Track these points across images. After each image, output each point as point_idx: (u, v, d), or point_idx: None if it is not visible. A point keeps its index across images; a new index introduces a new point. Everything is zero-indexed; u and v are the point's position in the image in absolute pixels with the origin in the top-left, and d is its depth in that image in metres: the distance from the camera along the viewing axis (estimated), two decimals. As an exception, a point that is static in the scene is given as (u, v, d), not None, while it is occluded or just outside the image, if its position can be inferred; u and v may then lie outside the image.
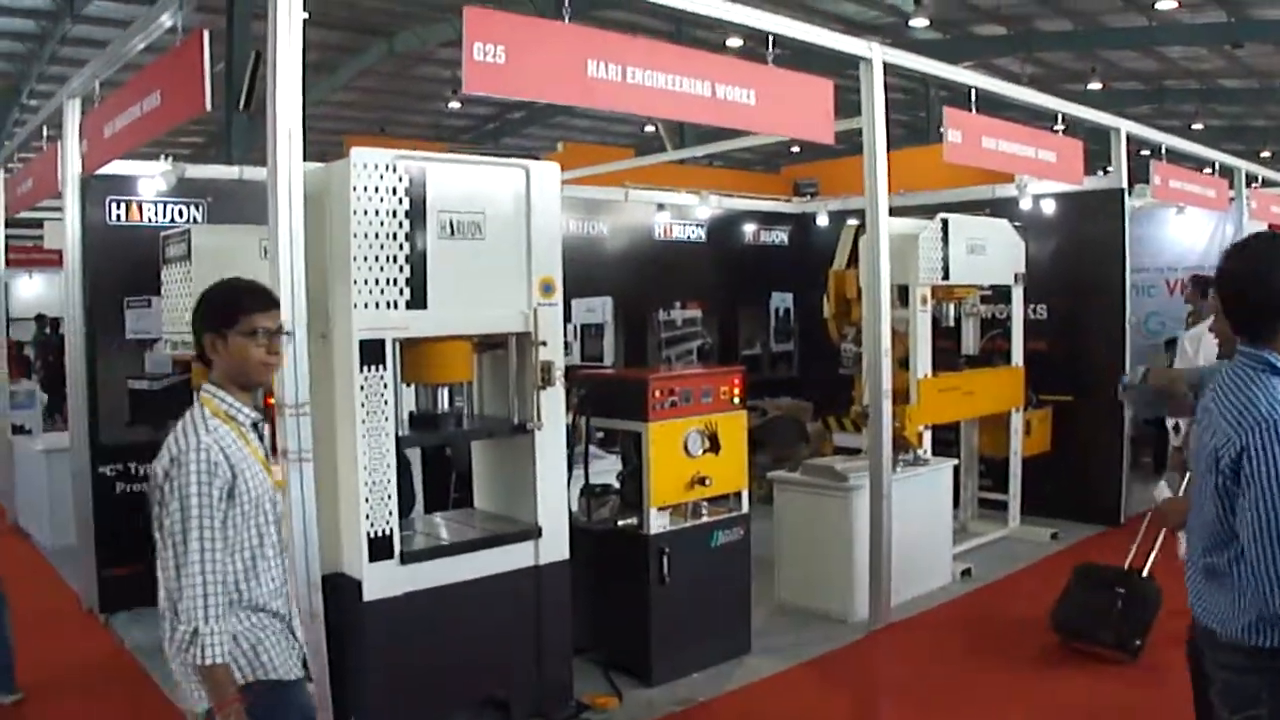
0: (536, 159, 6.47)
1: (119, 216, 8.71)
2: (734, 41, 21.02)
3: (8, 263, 12.95)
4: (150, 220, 8.77)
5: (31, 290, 22.76)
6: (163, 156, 8.67)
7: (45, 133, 9.53)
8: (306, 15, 5.23)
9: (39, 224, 15.10)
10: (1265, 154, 38.91)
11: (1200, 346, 8.65)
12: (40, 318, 20.47)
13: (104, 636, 7.98)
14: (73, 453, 8.58)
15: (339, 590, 5.42)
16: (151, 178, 8.62)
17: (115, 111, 7.18)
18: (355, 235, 5.37)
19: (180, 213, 8.90)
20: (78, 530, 8.52)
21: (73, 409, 8.53)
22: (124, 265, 8.55)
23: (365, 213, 5.41)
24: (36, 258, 17.91)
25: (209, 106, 5.68)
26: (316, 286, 5.41)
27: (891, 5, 24.60)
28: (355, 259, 5.37)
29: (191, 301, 6.97)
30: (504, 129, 33.99)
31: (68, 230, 8.42)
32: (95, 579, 8.41)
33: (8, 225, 12.14)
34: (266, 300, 3.82)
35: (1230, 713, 3.47)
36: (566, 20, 5.79)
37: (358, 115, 30.09)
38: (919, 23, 24.60)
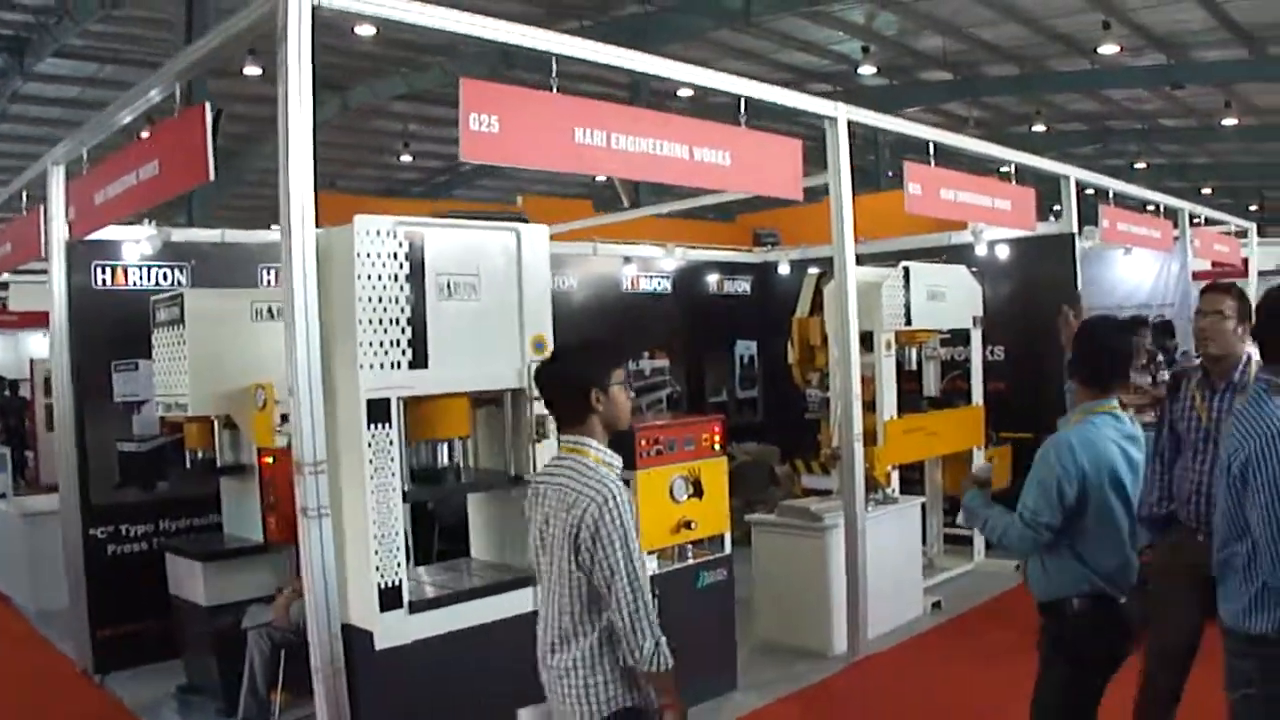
0: (526, 221, 6.73)
1: (104, 281, 8.86)
2: (684, 91, 21.46)
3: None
4: (136, 284, 8.93)
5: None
6: (146, 221, 8.80)
7: (25, 196, 9.61)
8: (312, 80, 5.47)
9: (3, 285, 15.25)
10: (1206, 190, 39.72)
11: None
12: (-1, 379, 20.44)
13: (102, 696, 8.11)
14: (63, 515, 8.64)
15: (350, 640, 5.60)
16: (136, 242, 8.80)
17: (108, 179, 7.34)
18: (360, 299, 5.60)
19: (165, 276, 9.07)
20: (70, 592, 8.60)
21: (63, 472, 8.61)
22: (110, 329, 8.69)
23: (369, 277, 5.65)
24: (-1, 319, 17.95)
25: (212, 177, 5.89)
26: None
27: (841, 54, 25.04)
28: (360, 321, 5.60)
29: (184, 364, 7.27)
30: (455, 181, 34.24)
31: (54, 295, 8.52)
32: (89, 640, 8.50)
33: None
34: (621, 351, 4.56)
35: (1230, 692, 3.99)
36: (554, 90, 6.08)
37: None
38: (867, 70, 25.01)
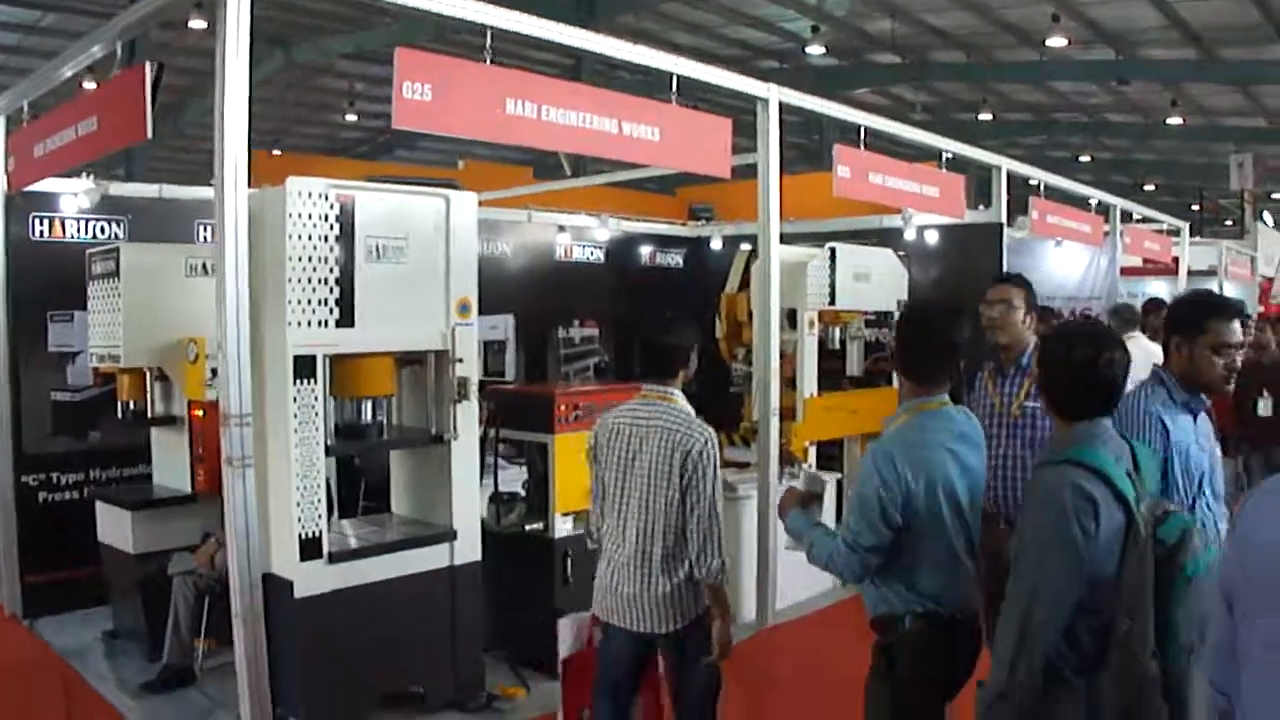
0: (456, 188, 6.90)
1: (42, 233, 8.91)
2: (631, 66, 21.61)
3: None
4: (73, 237, 8.99)
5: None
6: (84, 174, 8.87)
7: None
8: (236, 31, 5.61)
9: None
10: (1150, 187, 40.21)
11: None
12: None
13: (32, 640, 8.22)
14: (-6, 470, 8.76)
15: (271, 588, 5.78)
16: (74, 195, 8.86)
17: (47, 132, 7.42)
18: (290, 258, 5.80)
19: (102, 229, 9.13)
20: (2, 539, 8.66)
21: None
22: (47, 280, 8.75)
23: (299, 237, 5.84)
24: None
25: (149, 135, 6.02)
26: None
27: (790, 32, 25.17)
28: (290, 280, 5.79)
29: (119, 317, 7.40)
30: (398, 142, 34.14)
31: (-8, 246, 8.59)
32: (19, 586, 8.62)
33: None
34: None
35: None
36: (488, 62, 6.24)
37: (252, 127, 30.08)
38: (815, 50, 25.10)
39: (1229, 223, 36.92)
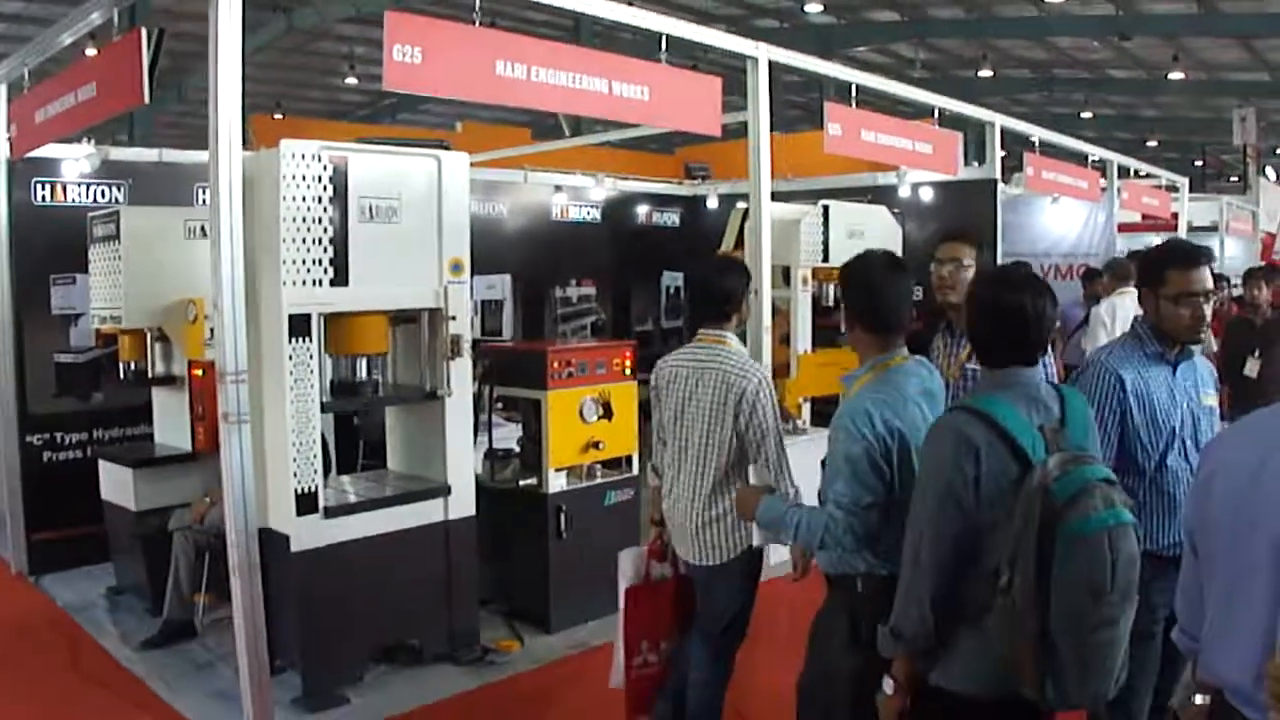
0: (447, 149, 6.99)
1: (44, 197, 9.01)
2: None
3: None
4: (74, 201, 9.09)
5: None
6: (85, 139, 8.96)
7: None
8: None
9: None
10: (1153, 143, 40.10)
11: (1115, 317, 10.19)
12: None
13: (37, 596, 8.38)
14: (1, 423, 8.86)
15: (268, 543, 5.90)
16: (76, 160, 8.96)
17: (48, 99, 7.49)
18: (284, 219, 5.90)
19: (103, 194, 9.24)
20: (7, 498, 8.86)
21: (0, 381, 8.84)
22: (49, 244, 8.88)
23: (293, 198, 5.94)
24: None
25: (148, 99, 6.11)
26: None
27: (787, -12, 25.17)
28: (285, 241, 5.90)
29: (120, 279, 7.51)
30: (400, 106, 34.14)
31: (-5, 210, 8.71)
32: (25, 544, 8.79)
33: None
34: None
35: None
36: (477, 24, 6.33)
37: (254, 91, 30.10)
38: (813, 7, 25.12)
39: (1234, 179, 36.81)
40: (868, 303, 4.18)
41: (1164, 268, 4.47)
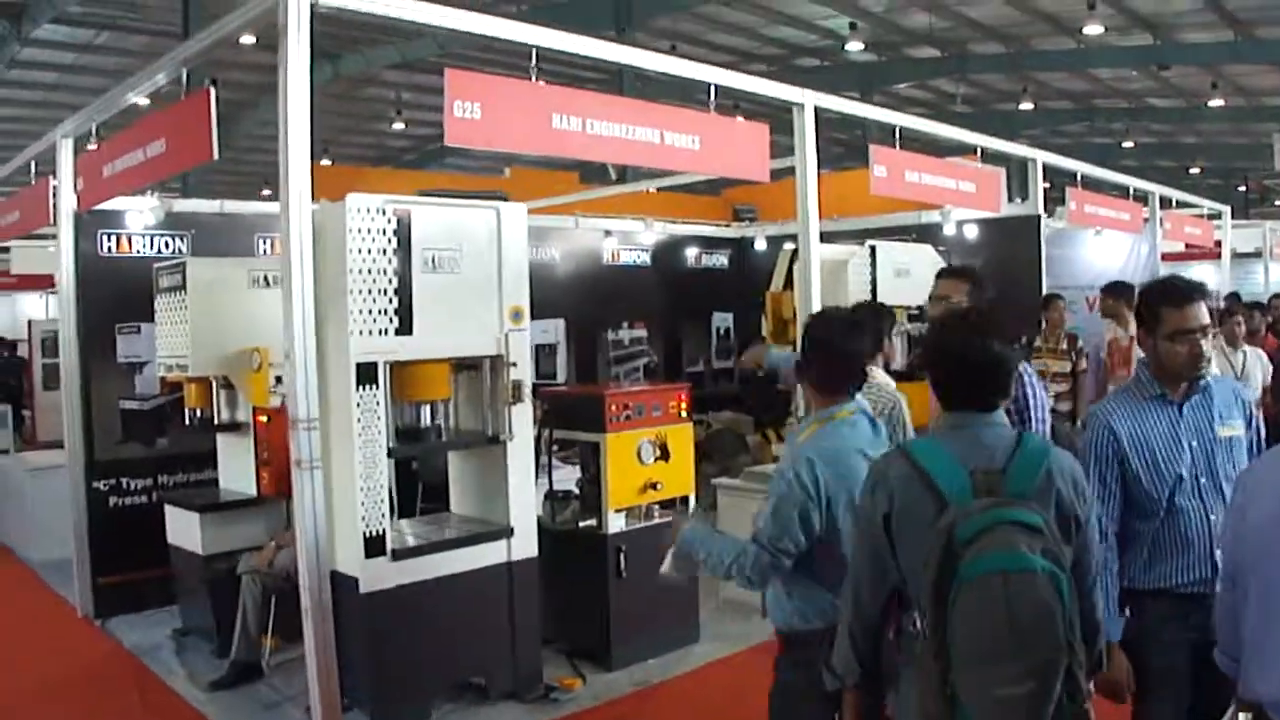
0: (504, 199, 7.16)
1: (110, 249, 9.25)
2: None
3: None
4: (139, 252, 9.32)
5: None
6: (149, 191, 9.20)
7: (34, 168, 10.05)
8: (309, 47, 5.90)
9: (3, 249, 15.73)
10: (1195, 170, 39.97)
11: None
12: (-1, 339, 20.80)
13: (104, 639, 8.55)
14: (69, 469, 9.06)
15: (337, 585, 6.07)
16: (140, 212, 9.20)
17: (116, 154, 7.73)
18: (351, 271, 6.09)
19: (166, 244, 9.46)
20: (75, 542, 9.03)
21: (69, 428, 9.02)
22: (115, 294, 9.11)
23: (360, 250, 6.14)
24: (-1, 281, 18.31)
25: (216, 156, 6.34)
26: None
27: (828, 29, 25.29)
28: (351, 291, 6.09)
29: (186, 328, 7.71)
30: (446, 150, 34.52)
31: (62, 262, 8.93)
32: (91, 587, 8.97)
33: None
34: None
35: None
36: (534, 79, 6.52)
37: (307, 139, 30.47)
38: (855, 46, 25.26)
39: (1278, 203, 36.65)
40: (824, 361, 4.26)
41: (1159, 306, 4.35)
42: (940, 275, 5.88)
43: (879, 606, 3.36)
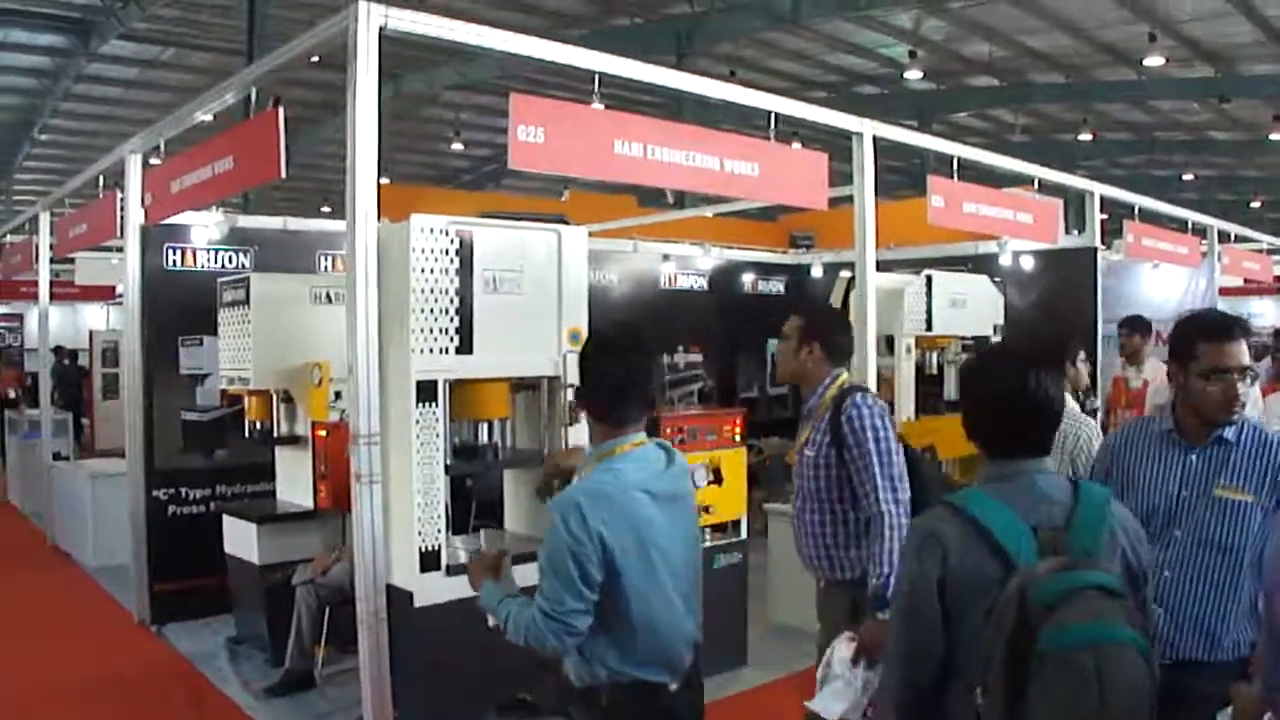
0: (566, 223, 7.25)
1: (175, 262, 9.45)
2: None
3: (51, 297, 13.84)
4: (203, 266, 9.52)
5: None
6: (214, 207, 9.39)
7: (101, 182, 10.28)
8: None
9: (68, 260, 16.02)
10: (1255, 203, 39.65)
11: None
12: (58, 349, 21.10)
13: (159, 645, 8.71)
14: (130, 477, 9.25)
15: (392, 598, 6.16)
16: (206, 227, 9.39)
17: (184, 170, 7.89)
18: (413, 290, 6.19)
19: (230, 259, 9.65)
20: (133, 549, 9.21)
21: (130, 437, 9.20)
22: (178, 307, 9.30)
23: (422, 270, 6.23)
24: (59, 292, 18.57)
25: (284, 174, 6.47)
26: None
27: (888, 57, 25.36)
28: (413, 310, 6.18)
29: (248, 342, 7.85)
30: (503, 171, 34.81)
31: (129, 274, 9.14)
32: (148, 594, 9.15)
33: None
34: None
35: None
36: (595, 104, 6.62)
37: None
38: (914, 74, 25.30)
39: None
40: (590, 386, 3.85)
41: (1194, 340, 3.99)
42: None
43: (934, 683, 2.96)
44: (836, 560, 5.03)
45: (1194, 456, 4.03)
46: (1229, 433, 4.00)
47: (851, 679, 4.33)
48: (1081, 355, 7.69)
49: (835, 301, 10.68)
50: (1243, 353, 4.02)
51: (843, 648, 4.46)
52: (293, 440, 8.31)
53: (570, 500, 3.57)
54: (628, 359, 3.79)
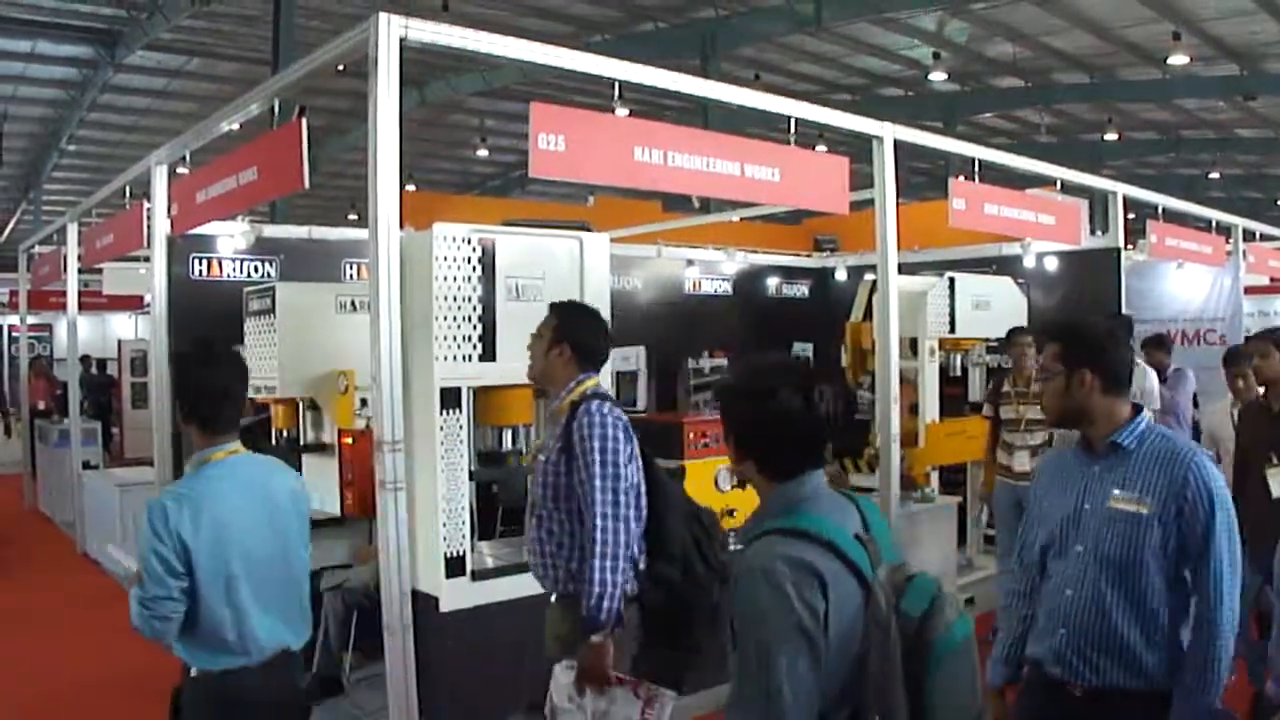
0: (588, 229, 7.29)
1: (200, 272, 9.56)
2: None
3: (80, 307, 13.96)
4: (229, 276, 9.63)
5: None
6: (239, 217, 9.45)
7: (128, 192, 10.38)
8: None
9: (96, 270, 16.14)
10: (1283, 200, 39.48)
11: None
12: (85, 358, 21.21)
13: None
14: (158, 485, 9.21)
15: (417, 604, 6.18)
16: (231, 237, 9.48)
17: (209, 180, 7.98)
18: (437, 298, 6.24)
19: (256, 269, 9.76)
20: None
21: (158, 445, 9.26)
22: (205, 316, 9.26)
23: (445, 278, 6.29)
24: (87, 302, 18.70)
25: (307, 185, 6.54)
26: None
27: (912, 59, 25.37)
28: (437, 318, 6.24)
29: (274, 350, 7.91)
30: (529, 177, 34.80)
31: (155, 284, 9.19)
32: (174, 601, 9.16)
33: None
34: None
35: None
36: (616, 111, 6.66)
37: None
38: (938, 76, 25.30)
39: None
40: (189, 399, 4.13)
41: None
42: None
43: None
44: (559, 573, 4.99)
45: (1097, 467, 3.91)
46: (1124, 438, 3.85)
47: (580, 708, 4.57)
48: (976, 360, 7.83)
49: (859, 305, 10.70)
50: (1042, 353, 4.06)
51: (563, 675, 4.63)
52: (319, 448, 8.37)
53: (159, 501, 3.90)
54: (221, 374, 4.18)
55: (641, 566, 4.78)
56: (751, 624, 2.72)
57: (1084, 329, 4.01)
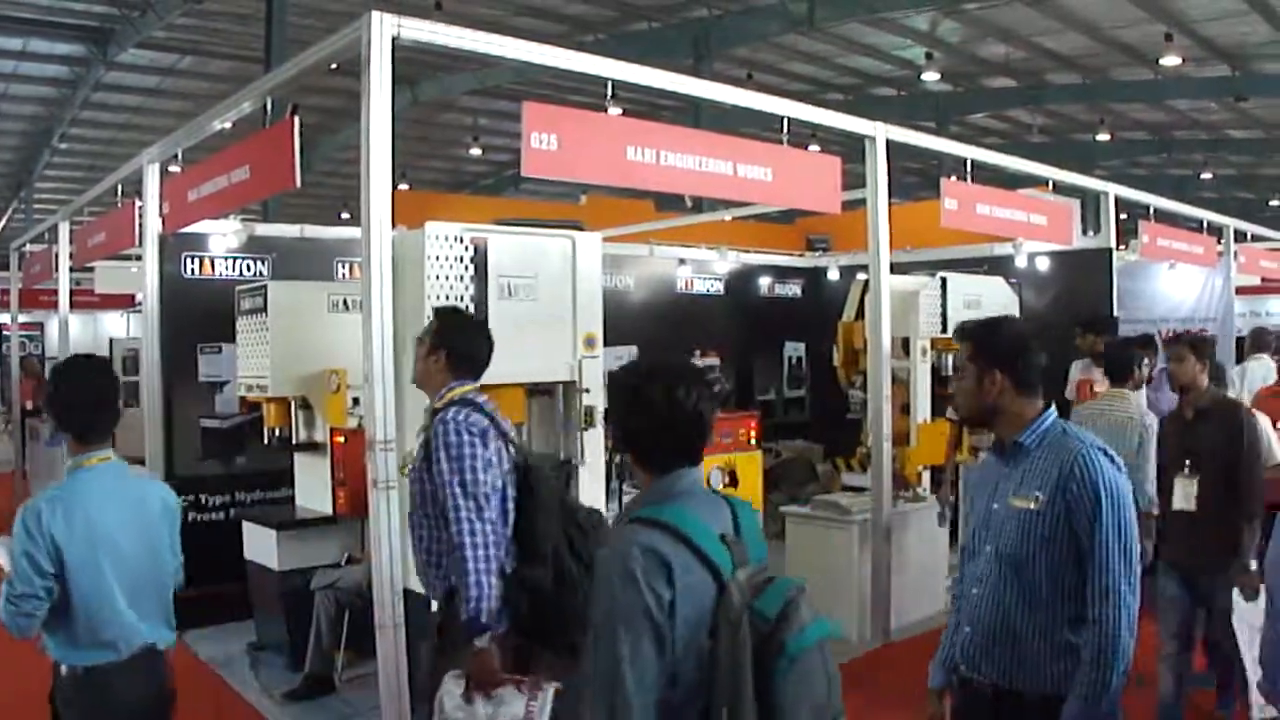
0: (580, 229, 7.30)
1: (193, 271, 9.52)
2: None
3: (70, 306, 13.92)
4: (221, 274, 9.59)
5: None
6: (231, 216, 9.41)
7: (120, 191, 10.36)
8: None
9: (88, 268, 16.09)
10: (1275, 202, 39.49)
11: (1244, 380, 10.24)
12: (77, 358, 21.05)
13: (179, 651, 8.67)
14: (151, 484, 9.25)
15: (408, 602, 6.15)
16: (224, 236, 9.45)
17: (201, 179, 7.96)
18: (429, 297, 6.23)
19: (248, 267, 9.71)
20: (153, 556, 9.21)
21: (150, 445, 9.19)
22: (197, 315, 9.36)
23: (438, 277, 6.29)
24: (79, 301, 18.62)
25: (299, 184, 6.53)
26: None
27: (904, 59, 25.34)
28: (429, 317, 6.21)
29: (266, 349, 7.91)
30: (522, 176, 34.72)
31: (147, 283, 9.17)
32: (169, 600, 9.15)
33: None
34: None
35: None
36: (618, 112, 6.67)
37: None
38: (930, 76, 25.27)
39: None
40: (63, 409, 4.34)
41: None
42: None
43: (668, 713, 2.82)
44: (430, 577, 5.07)
45: (1007, 468, 3.92)
46: (1026, 437, 3.84)
47: (471, 715, 4.49)
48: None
49: (851, 305, 10.70)
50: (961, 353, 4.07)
51: (453, 685, 4.58)
52: (311, 447, 8.37)
53: (34, 504, 4.12)
54: (95, 384, 4.40)
55: (508, 570, 4.76)
56: (602, 603, 2.84)
57: (997, 330, 4.05)
